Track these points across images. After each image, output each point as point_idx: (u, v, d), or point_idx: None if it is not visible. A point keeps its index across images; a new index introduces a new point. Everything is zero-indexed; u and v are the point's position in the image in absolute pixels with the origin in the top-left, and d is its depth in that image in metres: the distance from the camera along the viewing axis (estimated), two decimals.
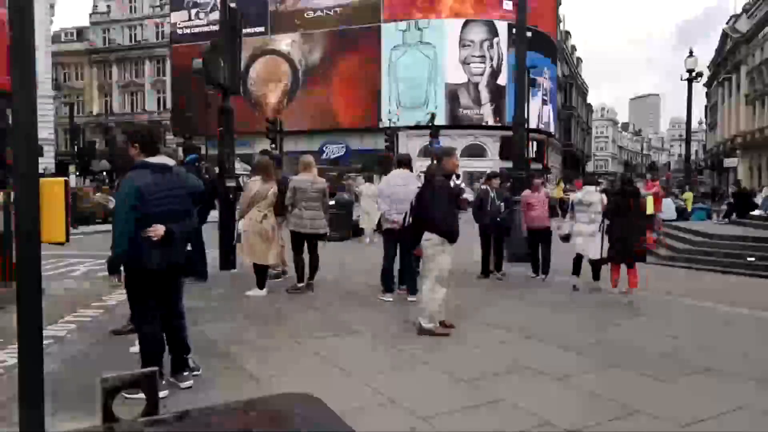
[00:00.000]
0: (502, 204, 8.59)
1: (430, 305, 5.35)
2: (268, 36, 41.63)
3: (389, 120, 37.26)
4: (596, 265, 7.76)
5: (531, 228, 8.63)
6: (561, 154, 54.08)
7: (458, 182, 11.40)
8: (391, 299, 6.89)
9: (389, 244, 7.02)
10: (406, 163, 7.25)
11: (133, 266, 3.78)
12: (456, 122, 37.37)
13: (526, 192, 8.88)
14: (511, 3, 33.99)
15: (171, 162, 3.98)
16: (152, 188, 3.70)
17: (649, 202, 12.58)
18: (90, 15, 57.12)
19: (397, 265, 7.07)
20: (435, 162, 5.97)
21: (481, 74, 38.13)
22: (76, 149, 25.92)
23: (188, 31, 44.09)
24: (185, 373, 3.98)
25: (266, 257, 6.94)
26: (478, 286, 8.00)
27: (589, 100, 78.61)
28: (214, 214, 9.82)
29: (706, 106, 63.42)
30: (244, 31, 12.93)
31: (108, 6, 55.97)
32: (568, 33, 61.83)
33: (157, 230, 3.66)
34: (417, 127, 34.64)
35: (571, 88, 59.79)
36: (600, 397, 3.87)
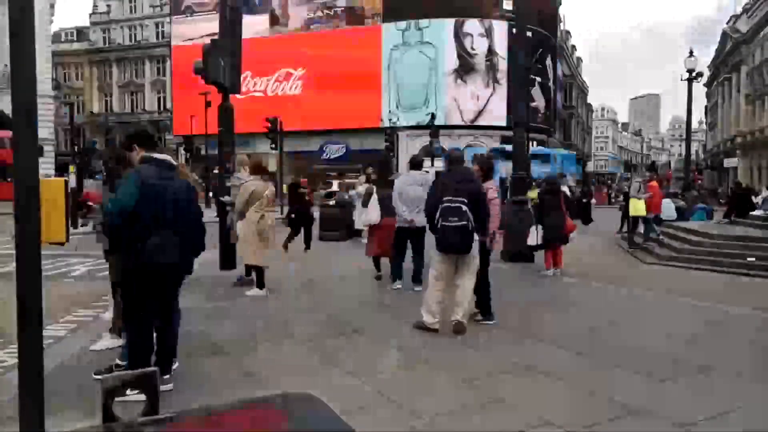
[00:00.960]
0: None
1: (427, 299, 5.45)
2: (268, 35, 41.64)
3: (389, 120, 37.26)
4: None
5: None
6: None
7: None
8: (400, 286, 7.38)
9: (400, 240, 7.46)
10: (419, 164, 7.64)
11: (130, 265, 3.78)
12: (456, 122, 37.37)
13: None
14: (511, 3, 33.98)
15: (174, 161, 3.99)
16: (153, 182, 3.71)
17: (639, 204, 12.55)
18: (90, 15, 57.14)
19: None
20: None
21: (481, 73, 38.13)
22: (76, 149, 25.95)
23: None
24: (165, 377, 3.87)
25: (259, 258, 6.99)
26: None
27: (589, 99, 78.58)
28: (212, 214, 9.82)
29: (706, 106, 63.45)
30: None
31: (108, 6, 55.99)
32: (568, 33, 61.80)
33: None
34: (417, 127, 34.64)
35: (571, 88, 59.77)
36: (600, 397, 3.87)
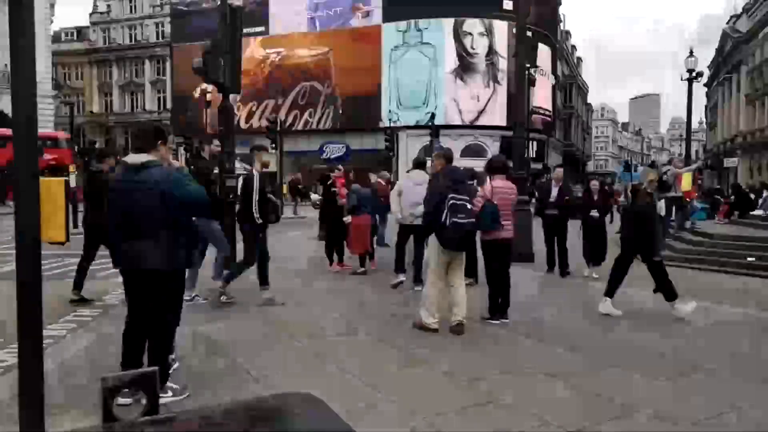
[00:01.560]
0: None
1: (426, 299, 5.47)
2: (268, 35, 41.65)
3: (389, 120, 37.25)
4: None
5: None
6: (561, 154, 54.06)
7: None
8: (403, 278, 7.55)
9: (403, 237, 7.69)
10: (422, 164, 7.89)
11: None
12: (456, 122, 37.35)
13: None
14: (511, 3, 33.96)
15: (142, 159, 3.58)
16: (114, 186, 3.72)
17: (687, 178, 12.56)
18: (90, 15, 57.15)
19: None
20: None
21: (481, 73, 38.12)
22: (76, 149, 26.07)
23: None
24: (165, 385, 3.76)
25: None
26: (472, 286, 7.98)
27: (589, 99, 78.58)
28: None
29: (706, 106, 63.41)
30: (244, 30, 12.92)
31: (108, 6, 55.99)
32: (568, 33, 61.77)
33: None
34: (417, 126, 34.65)
35: (571, 88, 59.73)
36: (600, 397, 3.87)
